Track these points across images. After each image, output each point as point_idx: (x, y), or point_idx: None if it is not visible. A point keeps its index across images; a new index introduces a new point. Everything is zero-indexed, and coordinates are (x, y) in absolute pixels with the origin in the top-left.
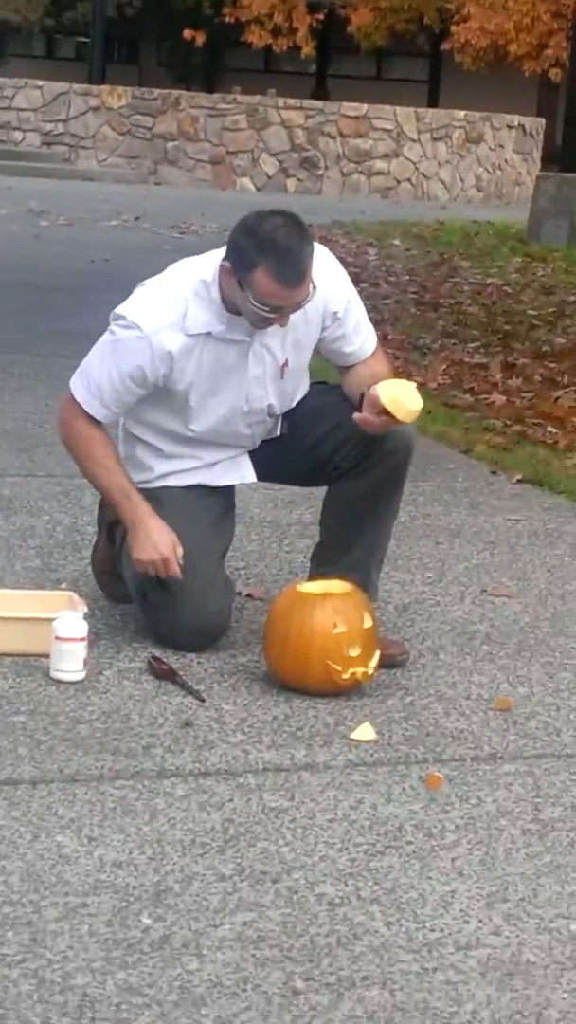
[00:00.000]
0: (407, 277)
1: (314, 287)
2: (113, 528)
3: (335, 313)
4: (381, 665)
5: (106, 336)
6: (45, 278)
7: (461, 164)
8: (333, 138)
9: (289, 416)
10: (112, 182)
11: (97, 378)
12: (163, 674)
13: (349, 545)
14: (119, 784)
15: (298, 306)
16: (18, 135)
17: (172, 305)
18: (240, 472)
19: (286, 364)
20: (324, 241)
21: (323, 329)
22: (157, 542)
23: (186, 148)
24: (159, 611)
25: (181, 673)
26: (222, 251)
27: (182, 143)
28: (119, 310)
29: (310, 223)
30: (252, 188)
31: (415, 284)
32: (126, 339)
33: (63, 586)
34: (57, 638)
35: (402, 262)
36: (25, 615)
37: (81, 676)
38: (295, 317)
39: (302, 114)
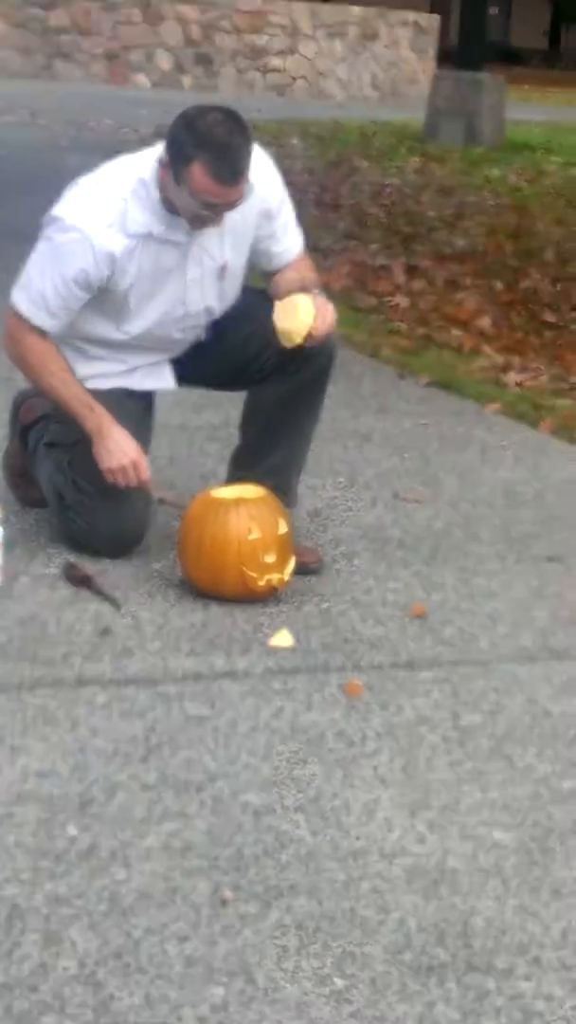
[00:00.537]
0: (306, 177)
1: (251, 187)
2: (27, 431)
3: (268, 211)
4: (296, 572)
5: (43, 242)
6: None
7: (357, 62)
8: (228, 34)
9: (211, 321)
10: (5, 77)
11: (40, 287)
12: (79, 580)
13: (268, 450)
14: (39, 692)
15: (232, 205)
16: None
17: (111, 205)
18: (161, 378)
19: (225, 265)
20: None
21: (257, 228)
22: (125, 448)
23: (80, 42)
24: (77, 515)
25: (97, 579)
26: (159, 149)
27: (76, 37)
28: (56, 212)
29: None
30: (147, 84)
31: (315, 184)
32: (66, 243)
33: None
34: None
35: (301, 162)
36: None
37: None
38: (233, 217)
39: (196, 9)
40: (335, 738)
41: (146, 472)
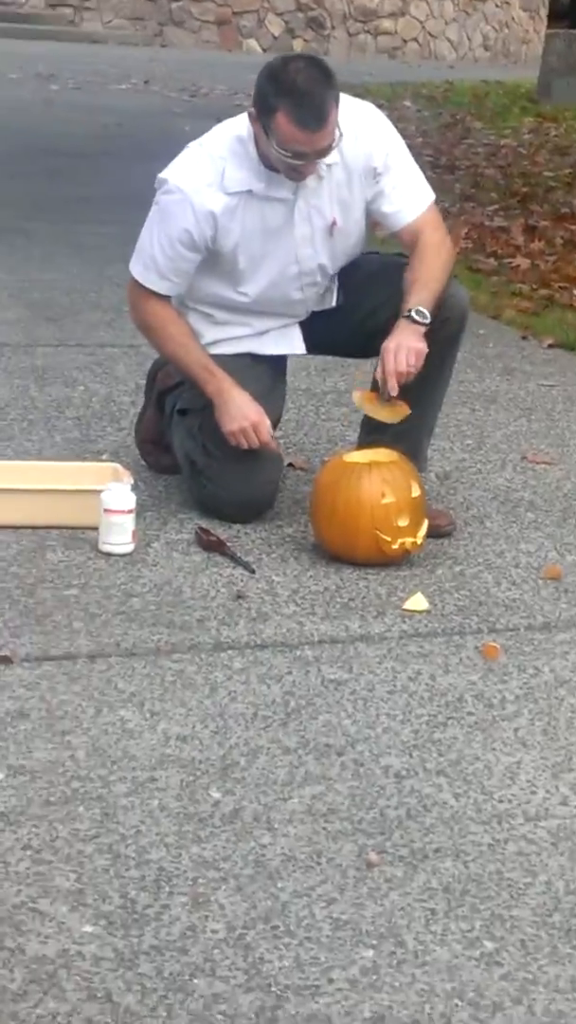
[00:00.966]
0: (420, 139)
1: (340, 133)
2: (163, 397)
3: (372, 169)
4: (428, 535)
5: (153, 207)
6: (59, 143)
7: (468, 22)
8: None
9: (343, 286)
10: (118, 44)
11: (150, 250)
12: (211, 545)
13: None
14: (176, 657)
15: (322, 152)
16: None
17: (210, 164)
18: (290, 342)
19: (335, 223)
20: None
21: (364, 187)
22: (245, 411)
23: (191, 9)
24: (208, 480)
25: (229, 544)
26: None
27: (187, 4)
28: (161, 175)
29: None
30: (258, 50)
31: (429, 147)
32: (169, 203)
33: (104, 457)
34: (106, 510)
35: (414, 124)
36: (72, 487)
37: (130, 549)
38: (339, 175)
39: None
40: (474, 701)
41: (266, 433)
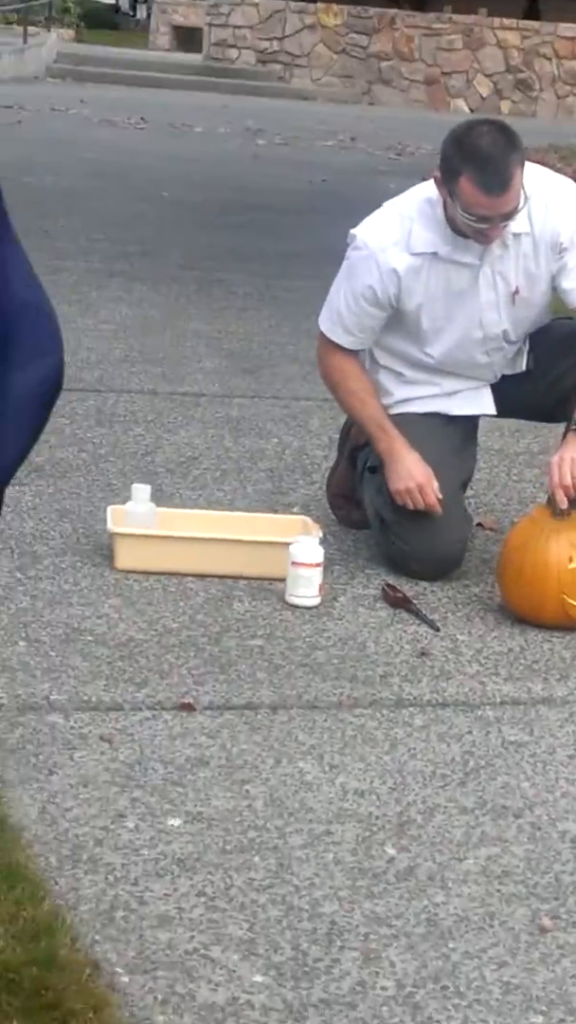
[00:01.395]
0: None
1: (526, 198)
2: (356, 452)
3: (559, 243)
4: None
5: (344, 263)
6: (264, 198)
7: None
8: (548, 59)
9: (534, 350)
10: (326, 101)
11: (337, 304)
12: (397, 602)
13: None
14: (358, 712)
15: (506, 216)
16: (234, 53)
17: (398, 223)
18: (480, 403)
19: (517, 291)
20: (541, 164)
21: (548, 260)
22: (413, 471)
23: (400, 68)
24: (397, 537)
25: (415, 601)
26: None
27: (397, 63)
28: (352, 231)
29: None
30: (466, 109)
31: None
32: (356, 260)
33: (295, 510)
34: (294, 563)
35: None
36: (262, 539)
37: (316, 602)
38: (527, 246)
39: (518, 35)
40: None
41: (432, 496)
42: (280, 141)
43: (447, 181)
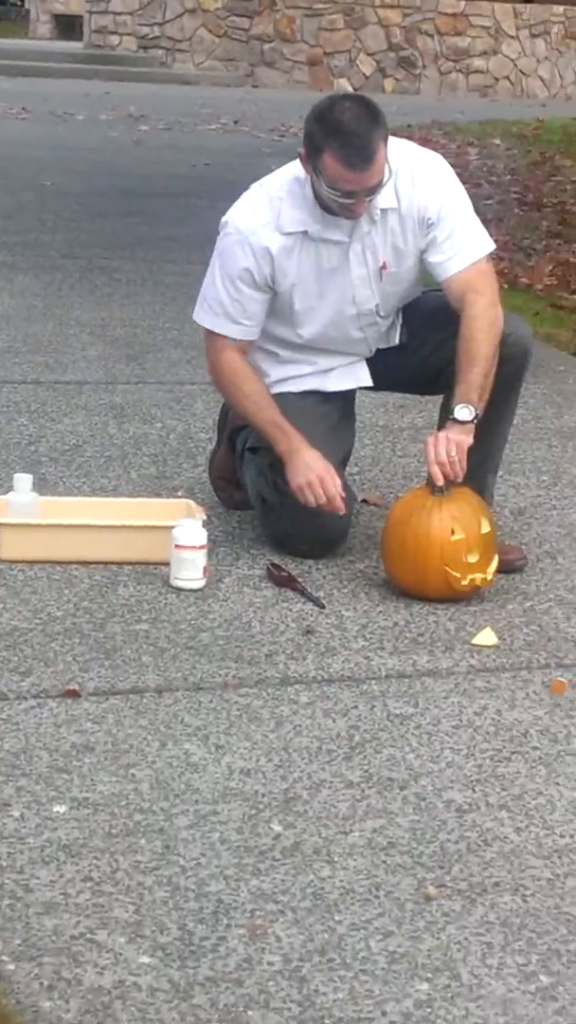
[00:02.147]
0: (509, 177)
1: (391, 172)
2: (235, 434)
3: (426, 219)
4: (500, 570)
5: (214, 252)
6: (148, 183)
7: (560, 61)
8: (430, 36)
9: (407, 323)
10: (209, 85)
11: (214, 295)
12: (282, 581)
13: None
14: (244, 692)
15: (371, 190)
16: (114, 39)
17: (267, 204)
18: (355, 377)
19: (384, 266)
20: (423, 142)
21: (416, 236)
22: (312, 465)
23: (283, 49)
24: (279, 518)
25: (300, 580)
26: None
27: (278, 44)
28: (224, 218)
29: (408, 124)
30: (349, 88)
31: (517, 184)
32: (228, 244)
33: (180, 494)
34: (177, 546)
35: (503, 162)
36: (145, 523)
37: (201, 584)
38: (393, 221)
39: (399, 12)
40: (539, 736)
41: (333, 488)
42: (163, 126)
43: (311, 158)
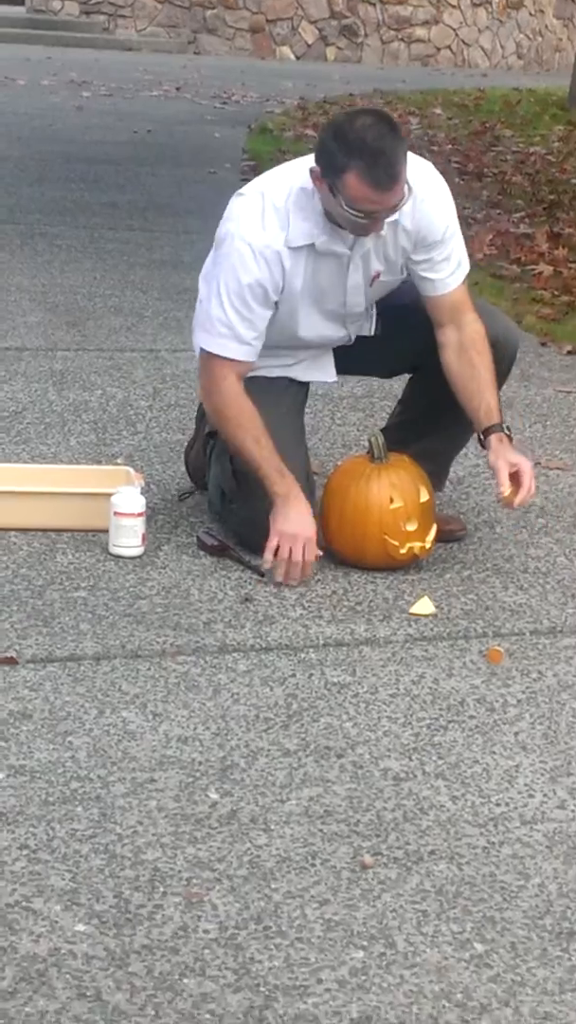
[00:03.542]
0: (450, 147)
1: (409, 189)
2: (211, 437)
3: (424, 238)
4: (439, 540)
5: (215, 267)
6: (89, 149)
7: (501, 31)
8: (372, 5)
9: (382, 315)
10: (151, 52)
11: (220, 315)
12: (215, 550)
13: (428, 432)
14: (181, 660)
15: (392, 209)
16: (56, 4)
17: (275, 216)
18: (322, 370)
19: (377, 276)
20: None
21: (411, 251)
22: (302, 523)
23: (225, 16)
24: (240, 509)
25: (234, 549)
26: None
27: (221, 11)
28: (224, 230)
29: (351, 93)
30: (292, 57)
31: (458, 154)
32: (238, 258)
33: (119, 461)
34: (116, 513)
35: (444, 131)
36: (83, 490)
37: (140, 551)
38: (388, 233)
39: None
40: (476, 704)
41: (311, 555)
42: (105, 92)
43: (328, 175)
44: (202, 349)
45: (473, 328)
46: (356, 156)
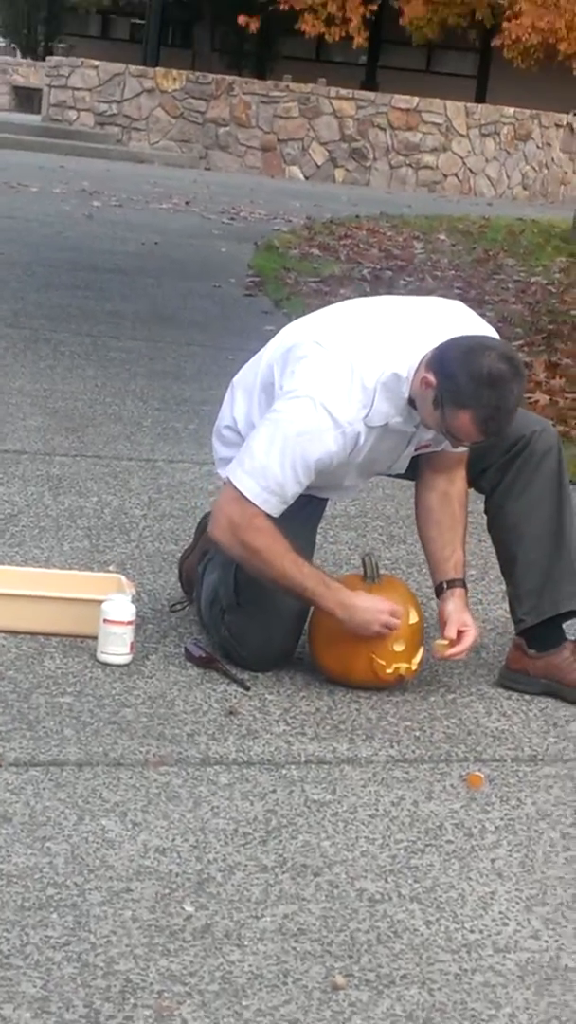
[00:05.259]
0: (452, 272)
1: None
2: (206, 551)
3: None
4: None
5: (282, 421)
6: (97, 259)
7: (508, 161)
8: (383, 130)
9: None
10: (163, 165)
11: (277, 474)
12: (202, 662)
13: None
14: (163, 770)
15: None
16: (72, 114)
17: (361, 395)
18: (342, 492)
19: (427, 446)
20: (371, 233)
21: None
22: (374, 614)
23: (237, 134)
24: (232, 621)
25: (220, 661)
26: (419, 344)
27: (233, 129)
28: (304, 388)
29: (357, 215)
30: (301, 177)
31: (460, 280)
32: (318, 430)
33: (111, 568)
34: (105, 620)
35: (448, 257)
36: (74, 596)
37: (127, 660)
38: None
39: (353, 104)
40: (454, 829)
41: (398, 620)
42: (115, 203)
43: (444, 398)
44: (240, 490)
45: (461, 485)
46: (481, 404)
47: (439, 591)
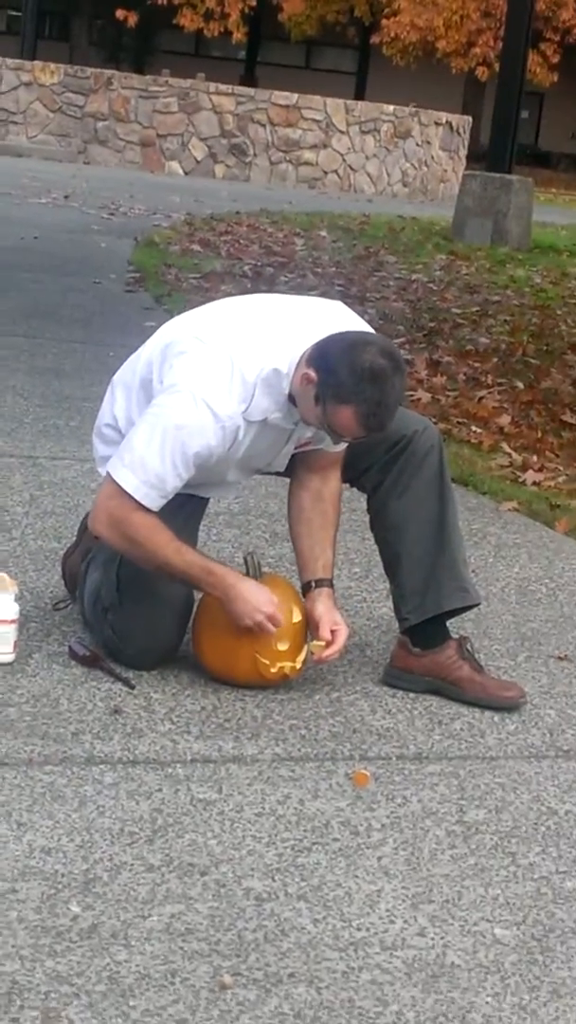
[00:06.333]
0: (333, 269)
1: None
2: (88, 550)
3: None
4: (495, 707)
5: (161, 416)
6: None
7: (388, 158)
8: (263, 126)
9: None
10: (41, 159)
11: (156, 468)
12: (86, 660)
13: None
14: (48, 769)
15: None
16: None
17: (241, 389)
18: (224, 491)
19: (307, 444)
20: (252, 229)
21: None
22: (256, 604)
23: (116, 128)
24: (115, 620)
25: (104, 660)
26: (300, 341)
27: (112, 123)
28: (183, 382)
29: (237, 211)
30: (180, 172)
31: (341, 276)
32: (194, 420)
33: None
34: None
35: (329, 254)
36: None
37: (11, 658)
38: None
39: (233, 100)
40: (340, 827)
41: (279, 622)
42: None
43: (325, 393)
44: (118, 484)
45: (335, 485)
46: (362, 400)
47: (306, 589)
